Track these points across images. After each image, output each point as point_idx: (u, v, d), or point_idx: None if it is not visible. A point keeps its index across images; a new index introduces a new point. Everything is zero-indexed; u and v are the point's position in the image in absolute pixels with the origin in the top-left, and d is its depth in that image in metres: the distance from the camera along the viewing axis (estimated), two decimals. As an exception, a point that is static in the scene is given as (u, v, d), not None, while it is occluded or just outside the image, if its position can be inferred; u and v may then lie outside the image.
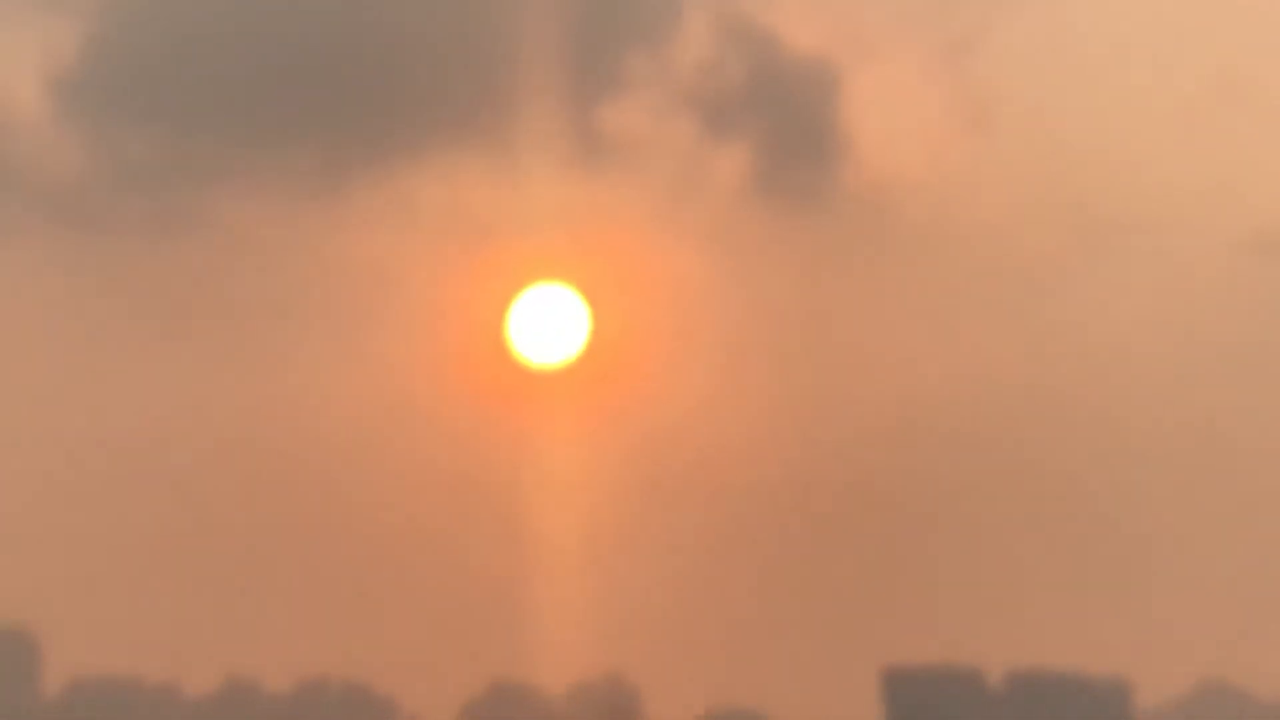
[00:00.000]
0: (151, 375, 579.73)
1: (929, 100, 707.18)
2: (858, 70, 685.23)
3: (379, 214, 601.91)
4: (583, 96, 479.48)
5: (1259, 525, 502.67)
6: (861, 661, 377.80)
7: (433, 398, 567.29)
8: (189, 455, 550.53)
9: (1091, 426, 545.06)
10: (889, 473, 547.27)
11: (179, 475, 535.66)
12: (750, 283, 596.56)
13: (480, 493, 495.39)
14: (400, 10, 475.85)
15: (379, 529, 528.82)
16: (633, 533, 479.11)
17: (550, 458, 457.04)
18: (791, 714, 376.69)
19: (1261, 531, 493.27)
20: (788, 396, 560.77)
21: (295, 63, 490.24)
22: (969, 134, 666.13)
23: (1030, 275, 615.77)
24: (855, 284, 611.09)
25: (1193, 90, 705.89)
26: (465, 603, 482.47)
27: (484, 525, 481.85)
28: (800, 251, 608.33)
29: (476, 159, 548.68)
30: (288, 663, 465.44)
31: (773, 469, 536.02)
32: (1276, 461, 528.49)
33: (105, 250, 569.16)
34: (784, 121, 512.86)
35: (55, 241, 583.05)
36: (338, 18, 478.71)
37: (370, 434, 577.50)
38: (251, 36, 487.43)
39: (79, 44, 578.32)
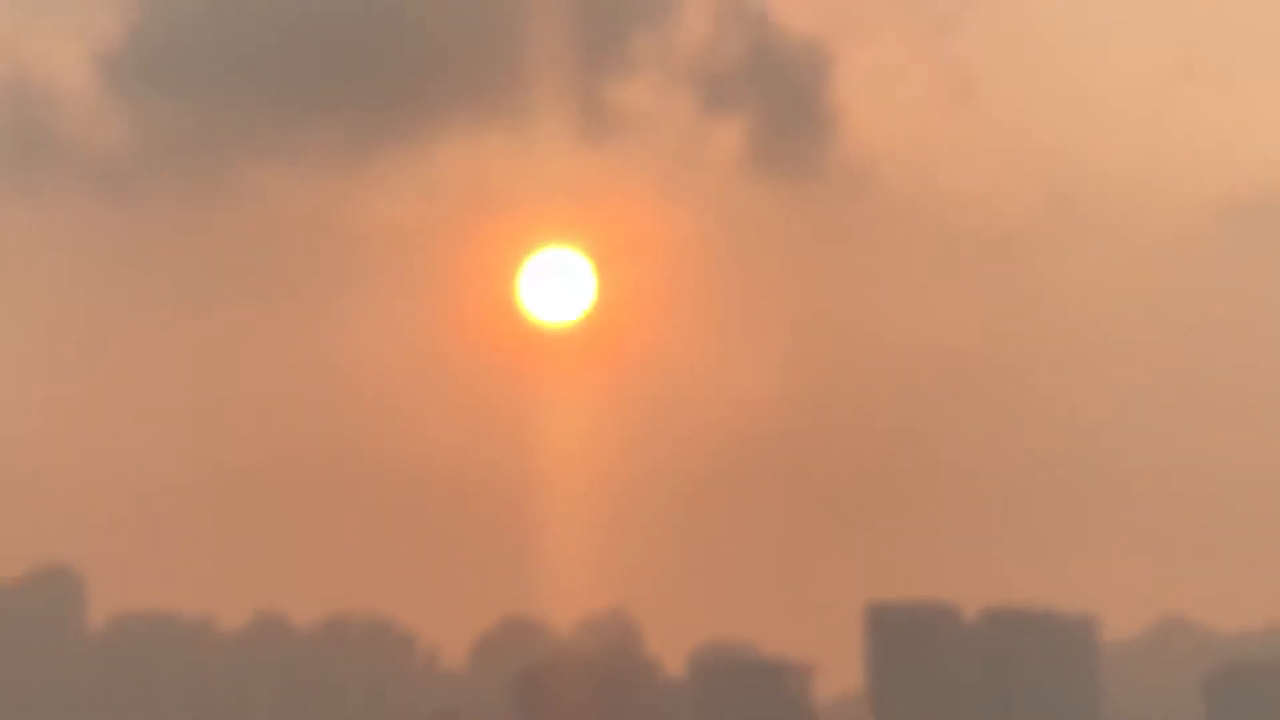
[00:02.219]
0: (190, 332, 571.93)
1: (915, 78, 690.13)
2: (848, 50, 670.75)
3: (402, 184, 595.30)
4: (590, 75, 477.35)
5: (1215, 474, 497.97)
6: (846, 599, 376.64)
7: (450, 353, 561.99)
8: (224, 407, 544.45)
9: (1062, 382, 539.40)
10: (874, 425, 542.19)
11: (214, 426, 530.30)
12: (746, 248, 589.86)
13: (493, 443, 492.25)
14: (421, 7, 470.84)
15: (400, 475, 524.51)
16: (634, 480, 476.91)
17: (558, 410, 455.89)
18: (781, 648, 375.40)
19: (1216, 480, 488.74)
20: (780, 354, 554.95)
21: (325, 44, 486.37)
22: (952, 110, 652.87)
23: (1007, 241, 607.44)
24: (845, 250, 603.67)
25: (1160, 69, 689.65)
26: (479, 545, 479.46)
27: (496, 472, 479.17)
28: (793, 219, 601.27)
29: (492, 133, 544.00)
30: (315, 600, 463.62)
31: (765, 421, 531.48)
32: (1232, 415, 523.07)
33: (147, 217, 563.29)
34: (778, 98, 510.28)
35: (101, 209, 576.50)
36: (364, 2, 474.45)
37: (393, 386, 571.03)
38: (283, 19, 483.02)
39: (122, 27, 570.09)
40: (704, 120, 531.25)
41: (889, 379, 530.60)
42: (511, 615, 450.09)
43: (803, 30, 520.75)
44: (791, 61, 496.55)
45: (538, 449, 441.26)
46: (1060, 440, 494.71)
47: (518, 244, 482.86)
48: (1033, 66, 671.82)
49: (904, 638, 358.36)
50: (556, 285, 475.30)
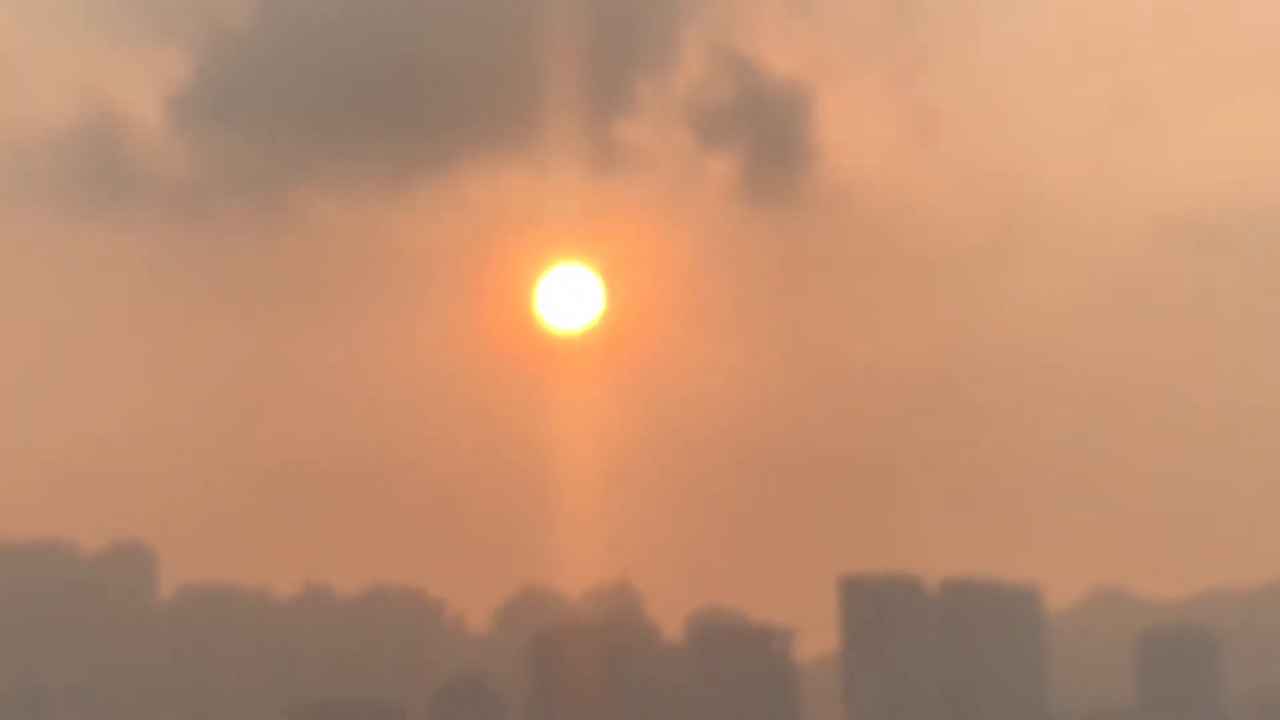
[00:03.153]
0: (250, 340, 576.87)
1: (885, 117, 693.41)
2: (826, 92, 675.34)
3: (433, 209, 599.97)
4: (598, 114, 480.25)
5: (1144, 465, 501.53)
6: (823, 572, 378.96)
7: (476, 357, 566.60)
8: (279, 406, 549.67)
9: (1012, 384, 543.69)
10: (848, 421, 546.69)
11: (270, 422, 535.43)
12: (737, 266, 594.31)
13: (513, 435, 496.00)
14: (452, 45, 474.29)
15: (432, 463, 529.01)
16: (638, 468, 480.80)
17: (570, 407, 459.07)
18: (768, 615, 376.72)
19: (1145, 470, 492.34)
20: (766, 358, 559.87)
21: (367, 86, 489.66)
22: (918, 144, 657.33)
23: (966, 260, 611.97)
24: (823, 268, 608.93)
25: (1099, 108, 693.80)
26: (501, 524, 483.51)
27: (517, 461, 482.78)
28: (778, 240, 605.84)
29: (512, 165, 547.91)
30: (357, 572, 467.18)
31: (754, 416, 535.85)
32: (1159, 413, 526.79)
33: (213, 239, 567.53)
34: (765, 133, 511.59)
35: (172, 233, 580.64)
36: (404, 50, 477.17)
37: (426, 385, 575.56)
38: (333, 62, 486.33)
39: (188, 68, 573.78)
40: (699, 153, 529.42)
41: (861, 381, 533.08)
42: (529, 586, 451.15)
43: (786, 74, 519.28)
44: (777, 102, 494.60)
45: (552, 442, 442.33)
46: (1010, 435, 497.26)
47: (535, 261, 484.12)
48: (988, 106, 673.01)
49: (873, 606, 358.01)
50: (569, 298, 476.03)
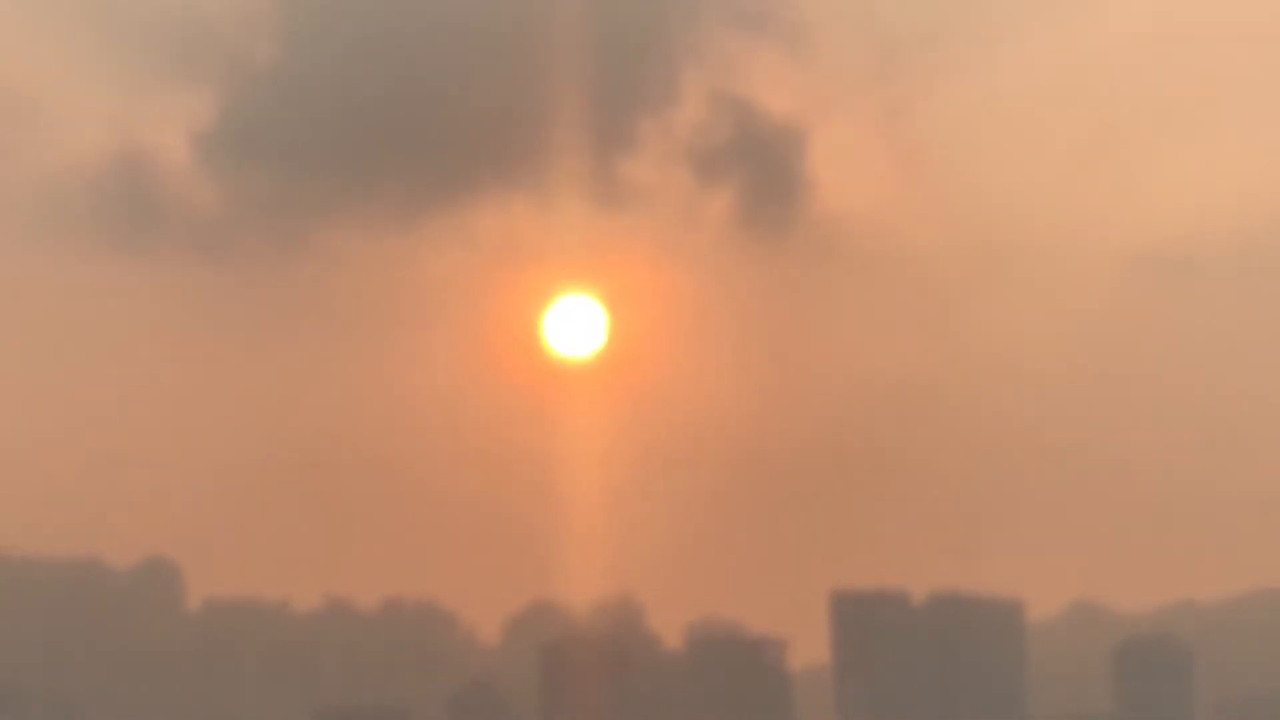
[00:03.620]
0: (272, 366, 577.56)
1: (874, 155, 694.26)
2: (818, 131, 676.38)
3: (445, 242, 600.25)
4: (602, 152, 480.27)
5: (1119, 483, 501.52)
6: (815, 586, 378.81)
7: (486, 382, 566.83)
8: (300, 428, 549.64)
9: (994, 405, 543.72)
10: (840, 441, 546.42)
11: (291, 443, 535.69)
12: (734, 295, 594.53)
13: (522, 456, 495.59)
14: (464, 86, 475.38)
15: (445, 482, 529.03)
16: (640, 487, 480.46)
17: (576, 430, 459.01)
18: (764, 626, 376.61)
19: (1120, 488, 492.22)
20: (762, 383, 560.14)
21: (383, 125, 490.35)
22: (906, 180, 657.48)
23: (950, 289, 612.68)
24: (815, 296, 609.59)
25: (1077, 143, 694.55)
26: (510, 540, 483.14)
27: (525, 480, 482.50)
28: (774, 271, 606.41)
29: (520, 200, 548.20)
30: (374, 586, 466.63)
31: (750, 437, 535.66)
32: (1134, 430, 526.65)
33: (238, 271, 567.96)
34: (761, 170, 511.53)
35: (198, 265, 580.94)
36: (418, 91, 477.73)
37: (439, 408, 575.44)
38: (350, 103, 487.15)
39: (214, 108, 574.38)
40: (699, 189, 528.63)
41: (852, 404, 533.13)
42: (537, 598, 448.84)
43: (781, 114, 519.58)
44: (772, 141, 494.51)
45: (558, 462, 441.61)
46: (994, 455, 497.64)
47: (541, 292, 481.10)
48: (973, 143, 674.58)
49: (863, 618, 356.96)
50: (574, 326, 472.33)
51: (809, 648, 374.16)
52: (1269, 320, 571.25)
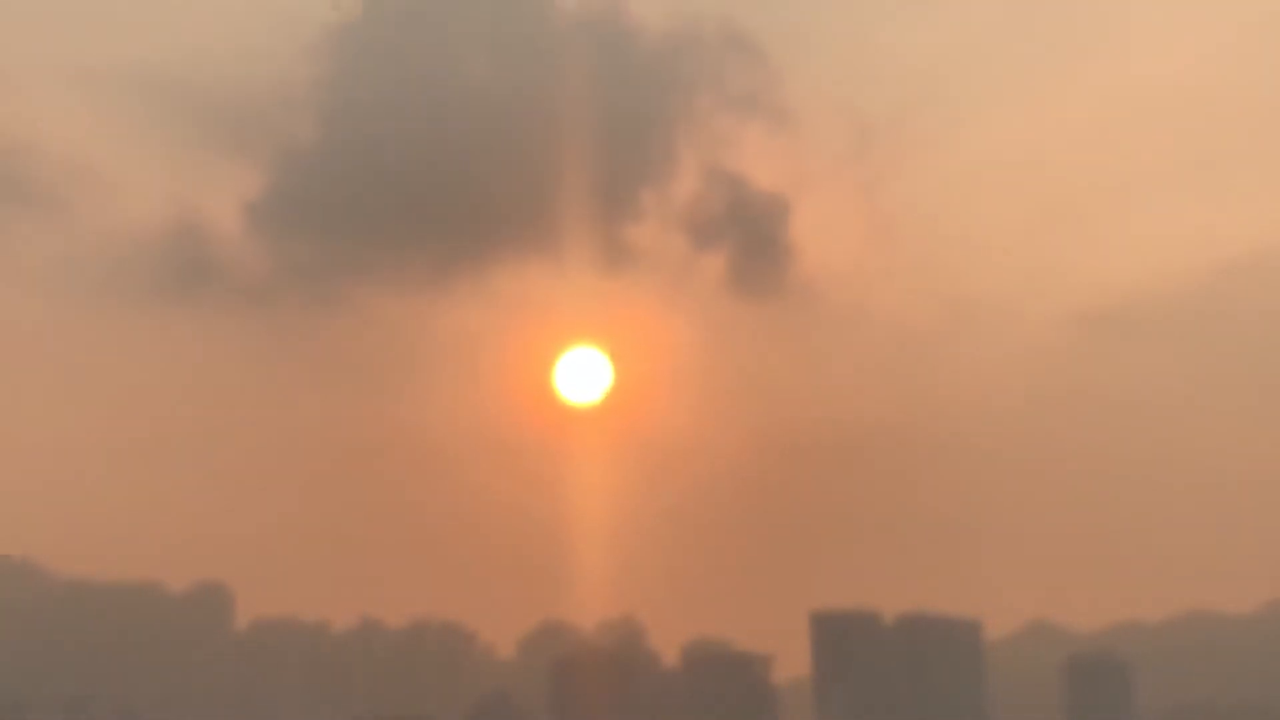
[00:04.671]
0: (312, 409, 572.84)
1: (850, 223, 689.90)
2: (801, 202, 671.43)
3: (468, 299, 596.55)
4: (609, 219, 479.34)
5: (1067, 517, 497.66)
6: (797, 608, 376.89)
7: (503, 423, 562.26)
8: (338, 463, 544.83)
9: (955, 445, 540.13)
10: (819, 476, 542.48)
11: (330, 479, 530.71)
12: (726, 347, 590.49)
13: (535, 491, 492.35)
14: (485, 161, 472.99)
15: (465, 515, 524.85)
16: (641, 519, 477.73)
17: (583, 468, 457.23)
18: (751, 644, 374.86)
19: (1068, 522, 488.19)
20: (751, 424, 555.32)
21: (413, 195, 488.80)
22: (877, 246, 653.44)
23: (917, 342, 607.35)
24: (798, 348, 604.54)
25: (1031, 215, 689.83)
26: (524, 567, 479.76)
27: (537, 513, 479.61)
28: (761, 326, 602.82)
29: (535, 262, 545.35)
30: (403, 607, 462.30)
31: (739, 472, 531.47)
32: (1081, 468, 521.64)
33: (279, 324, 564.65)
34: (749, 236, 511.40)
35: (246, 318, 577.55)
36: (443, 165, 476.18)
37: (462, 448, 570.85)
38: (383, 176, 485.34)
39: (261, 180, 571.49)
40: (694, 253, 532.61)
41: (831, 443, 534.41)
42: (548, 618, 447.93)
43: (767, 188, 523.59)
44: (759, 210, 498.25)
45: (568, 497, 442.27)
46: (956, 492, 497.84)
47: (553, 343, 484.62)
48: (938, 214, 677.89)
49: (839, 636, 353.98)
50: (582, 374, 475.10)
51: (791, 662, 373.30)
52: (1196, 368, 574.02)
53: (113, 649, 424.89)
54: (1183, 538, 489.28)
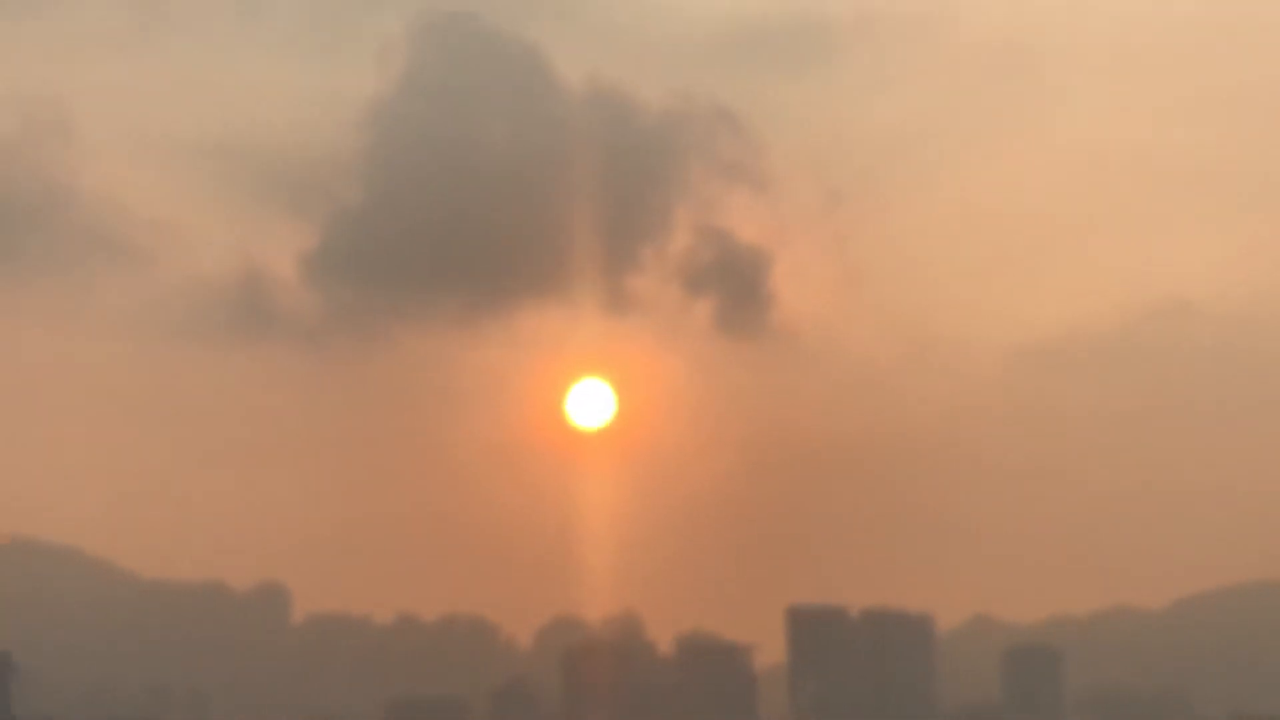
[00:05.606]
0: (358, 434, 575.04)
1: (822, 274, 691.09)
2: (780, 256, 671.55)
3: (494, 337, 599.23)
4: (613, 270, 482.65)
5: (1008, 524, 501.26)
6: (775, 603, 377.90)
7: (522, 445, 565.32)
8: (381, 478, 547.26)
9: (916, 466, 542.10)
10: (797, 492, 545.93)
11: (374, 492, 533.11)
12: (714, 381, 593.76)
13: (549, 504, 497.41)
14: (507, 220, 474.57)
15: (490, 524, 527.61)
16: (640, 527, 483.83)
17: (591, 483, 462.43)
18: (735, 635, 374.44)
19: (1008, 528, 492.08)
20: (736, 446, 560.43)
21: (445, 250, 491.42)
22: (846, 294, 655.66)
23: (881, 377, 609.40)
24: (777, 380, 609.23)
25: (979, 266, 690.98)
26: (540, 570, 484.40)
27: (552, 523, 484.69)
28: (745, 361, 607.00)
29: (550, 306, 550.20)
30: (436, 604, 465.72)
31: (726, 488, 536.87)
32: (1020, 483, 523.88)
33: (331, 360, 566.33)
34: (735, 284, 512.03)
35: (301, 355, 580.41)
36: (472, 223, 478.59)
37: (486, 466, 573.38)
38: (420, 233, 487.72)
39: (314, 236, 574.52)
40: (687, 299, 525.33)
41: (805, 464, 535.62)
42: (560, 614, 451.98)
43: (750, 243, 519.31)
44: (744, 262, 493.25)
45: (578, 509, 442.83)
46: (912, 503, 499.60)
47: (565, 376, 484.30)
48: (898, 265, 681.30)
49: (811, 628, 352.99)
50: (591, 402, 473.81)
51: (770, 652, 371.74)
52: (1118, 395, 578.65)
53: (187, 641, 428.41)
54: (1107, 542, 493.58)
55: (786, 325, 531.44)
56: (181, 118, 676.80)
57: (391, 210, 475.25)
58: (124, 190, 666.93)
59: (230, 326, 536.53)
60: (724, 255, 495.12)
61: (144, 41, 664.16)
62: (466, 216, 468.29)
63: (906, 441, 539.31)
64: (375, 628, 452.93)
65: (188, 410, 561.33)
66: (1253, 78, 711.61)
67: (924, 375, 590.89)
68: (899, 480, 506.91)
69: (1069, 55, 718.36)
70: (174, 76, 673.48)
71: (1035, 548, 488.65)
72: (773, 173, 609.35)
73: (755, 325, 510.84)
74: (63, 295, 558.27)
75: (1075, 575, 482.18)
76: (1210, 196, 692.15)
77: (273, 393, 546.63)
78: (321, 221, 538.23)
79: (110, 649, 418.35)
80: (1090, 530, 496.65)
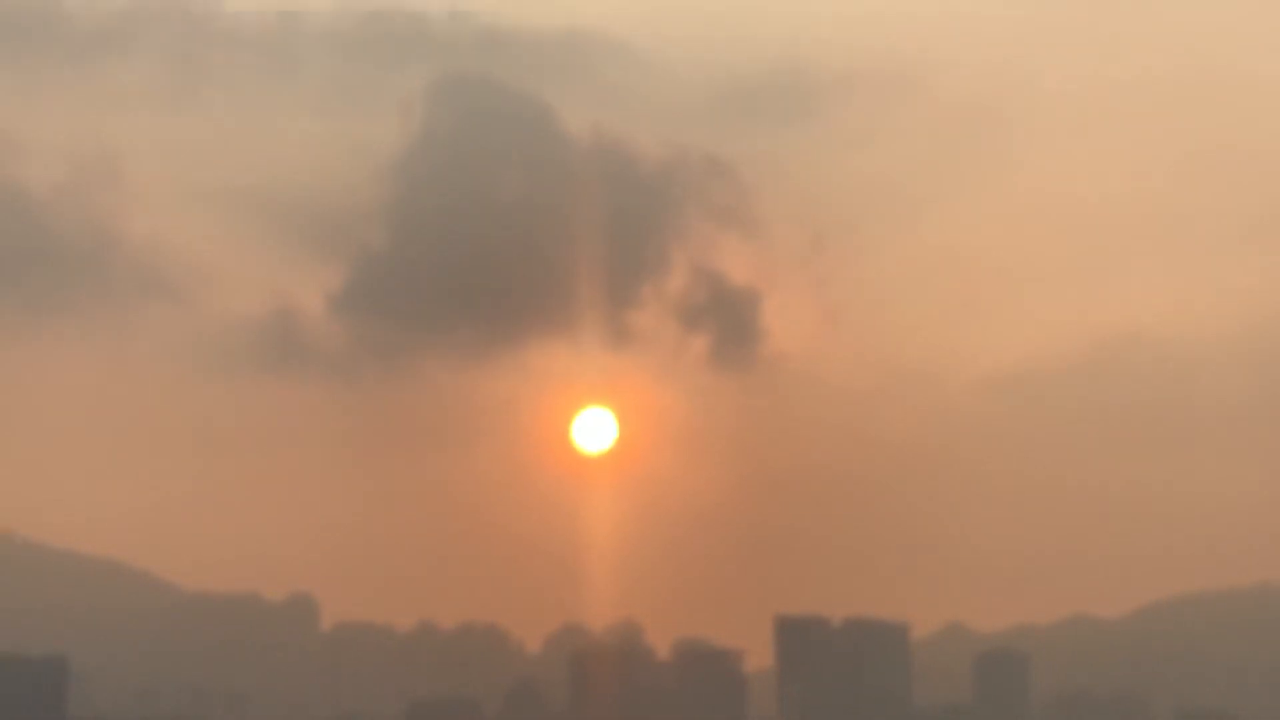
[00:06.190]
0: (383, 459, 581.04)
1: (808, 311, 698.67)
2: (769, 295, 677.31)
3: (507, 369, 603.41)
4: (616, 307, 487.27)
5: (977, 540, 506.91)
6: (764, 612, 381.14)
7: (531, 469, 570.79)
8: (402, 499, 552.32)
9: (893, 485, 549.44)
10: (783, 512, 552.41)
11: (396, 511, 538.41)
12: (709, 410, 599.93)
13: (557, 523, 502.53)
14: (518, 261, 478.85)
15: (503, 540, 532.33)
16: (640, 544, 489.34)
17: (595, 504, 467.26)
18: (727, 641, 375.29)
19: (977, 544, 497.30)
20: (729, 470, 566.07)
21: (462, 288, 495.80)
22: (830, 330, 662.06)
23: (859, 404, 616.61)
24: (767, 409, 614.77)
25: (948, 304, 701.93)
26: (549, 582, 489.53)
27: (560, 540, 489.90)
28: (738, 392, 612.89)
29: (556, 341, 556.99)
30: (453, 611, 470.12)
31: (719, 509, 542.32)
32: (988, 502, 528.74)
33: (357, 392, 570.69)
34: (728, 322, 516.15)
35: (329, 388, 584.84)
36: (486, 265, 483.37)
37: (499, 488, 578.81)
38: (439, 273, 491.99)
39: (342, 274, 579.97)
40: (683, 335, 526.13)
41: (791, 487, 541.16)
42: (567, 621, 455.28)
43: (742, 283, 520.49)
44: (736, 301, 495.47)
45: (583, 528, 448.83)
46: (890, 520, 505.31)
47: (571, 405, 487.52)
48: (878, 302, 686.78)
49: (797, 635, 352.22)
50: (594, 430, 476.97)
51: (760, 657, 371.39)
52: (1077, 422, 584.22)
53: (224, 647, 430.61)
54: (1069, 556, 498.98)
55: (775, 359, 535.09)
56: (220, 168, 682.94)
57: (412, 252, 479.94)
58: (167, 235, 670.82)
59: (264, 359, 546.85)
60: (717, 294, 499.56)
61: (187, 98, 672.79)
62: (481, 258, 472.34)
63: (883, 464, 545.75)
64: (397, 634, 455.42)
65: (225, 435, 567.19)
66: (1202, 134, 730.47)
67: (899, 403, 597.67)
68: (876, 499, 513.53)
69: (1034, 114, 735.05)
70: (214, 130, 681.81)
71: (1003, 561, 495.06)
72: (762, 218, 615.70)
73: (746, 359, 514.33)
74: (112, 330, 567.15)
75: (1040, 586, 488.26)
76: (1159, 241, 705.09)
77: (303, 419, 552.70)
78: (348, 263, 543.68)
79: (155, 654, 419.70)
80: (1054, 545, 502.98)
